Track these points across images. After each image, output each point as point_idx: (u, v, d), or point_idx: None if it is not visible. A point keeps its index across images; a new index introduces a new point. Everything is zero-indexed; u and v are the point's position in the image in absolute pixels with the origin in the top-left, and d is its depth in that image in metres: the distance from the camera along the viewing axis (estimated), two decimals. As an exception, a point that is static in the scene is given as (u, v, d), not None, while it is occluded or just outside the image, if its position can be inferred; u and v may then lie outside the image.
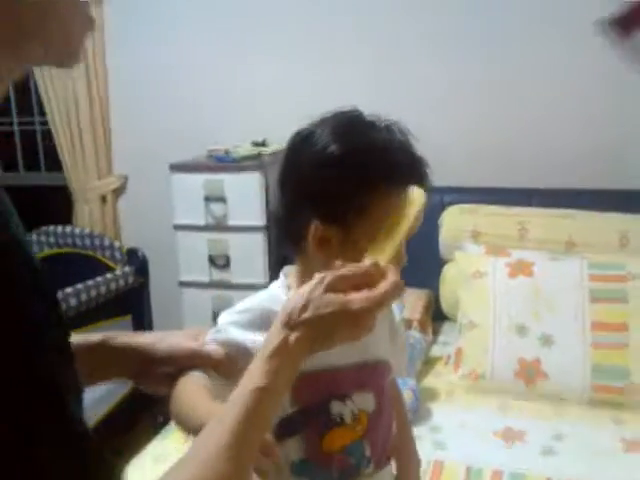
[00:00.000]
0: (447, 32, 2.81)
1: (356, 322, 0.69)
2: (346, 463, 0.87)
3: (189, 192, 2.77)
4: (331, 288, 0.69)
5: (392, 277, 0.70)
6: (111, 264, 2.76)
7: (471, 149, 2.88)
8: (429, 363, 2.44)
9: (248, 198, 2.75)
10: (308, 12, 2.97)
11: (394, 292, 0.69)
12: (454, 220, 2.70)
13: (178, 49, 3.12)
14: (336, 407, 0.85)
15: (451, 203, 2.76)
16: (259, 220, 2.76)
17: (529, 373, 2.17)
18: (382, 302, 0.69)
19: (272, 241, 2.81)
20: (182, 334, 0.89)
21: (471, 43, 2.79)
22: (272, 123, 3.02)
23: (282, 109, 3.04)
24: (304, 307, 0.68)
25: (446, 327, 2.69)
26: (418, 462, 1.11)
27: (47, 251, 2.88)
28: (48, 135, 3.29)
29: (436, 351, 2.54)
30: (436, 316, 2.72)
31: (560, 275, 2.32)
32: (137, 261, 2.77)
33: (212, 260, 2.81)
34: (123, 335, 0.86)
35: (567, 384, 2.15)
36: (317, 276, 0.71)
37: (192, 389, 0.79)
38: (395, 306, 1.02)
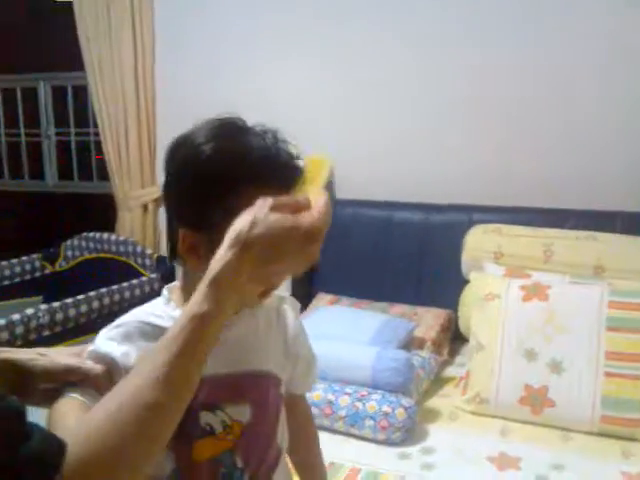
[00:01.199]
0: (476, 42, 2.78)
1: (308, 237, 0.68)
2: (217, 473, 0.87)
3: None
4: (275, 209, 0.68)
5: (323, 201, 0.71)
6: (142, 270, 2.89)
7: (501, 167, 2.82)
8: (439, 383, 2.40)
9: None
10: (337, 21, 3.01)
11: (329, 214, 0.70)
12: (478, 239, 2.65)
13: (222, 67, 3.23)
14: (205, 417, 0.86)
15: (478, 222, 2.71)
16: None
17: (535, 400, 2.10)
18: (327, 220, 0.70)
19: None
20: (65, 351, 0.89)
21: (502, 58, 2.74)
22: (311, 137, 3.08)
23: (316, 127, 3.09)
24: (253, 224, 0.66)
25: (465, 349, 2.63)
26: (323, 475, 1.11)
27: (87, 255, 3.05)
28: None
29: (450, 372, 2.50)
30: (456, 337, 2.68)
31: (577, 300, 2.23)
32: (164, 268, 2.88)
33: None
34: (4, 351, 0.85)
35: (575, 413, 2.06)
36: (259, 200, 0.69)
37: (60, 411, 0.79)
38: (292, 321, 1.00)
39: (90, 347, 0.87)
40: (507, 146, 2.82)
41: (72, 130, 3.76)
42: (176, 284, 0.92)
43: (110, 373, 0.84)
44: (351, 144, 3.08)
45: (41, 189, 3.86)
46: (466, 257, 2.64)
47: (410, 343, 2.42)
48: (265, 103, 3.15)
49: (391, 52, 2.95)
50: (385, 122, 3.01)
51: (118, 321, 0.88)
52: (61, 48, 3.58)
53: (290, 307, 1.00)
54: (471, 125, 2.86)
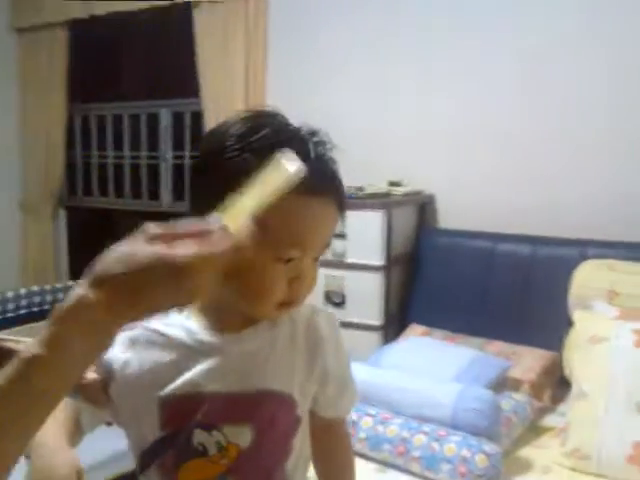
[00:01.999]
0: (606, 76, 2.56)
1: (179, 277, 0.56)
2: None
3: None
4: (152, 239, 0.57)
5: (227, 235, 0.58)
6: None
7: (617, 197, 2.56)
8: (536, 432, 2.16)
9: (369, 237, 2.71)
10: (449, 54, 2.90)
11: (226, 250, 0.57)
12: (588, 276, 2.39)
13: (333, 99, 3.21)
14: (199, 436, 0.78)
15: (590, 257, 2.46)
16: (378, 260, 2.70)
17: (645, 461, 1.82)
18: (210, 259, 0.56)
19: (389, 283, 2.74)
20: None
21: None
22: (412, 164, 3.00)
23: (423, 152, 3.00)
24: (117, 260, 0.56)
25: (570, 396, 2.37)
26: None
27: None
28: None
29: (550, 421, 2.25)
30: (562, 382, 2.41)
31: None
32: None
33: (328, 296, 2.80)
34: (9, 340, 0.82)
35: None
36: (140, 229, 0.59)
37: (54, 417, 0.76)
38: (328, 338, 0.88)
39: None
40: (624, 173, 2.56)
41: (187, 154, 3.91)
42: None
43: (104, 381, 0.80)
44: (453, 171, 2.96)
45: (156, 209, 4.03)
46: (574, 295, 2.39)
47: (503, 384, 2.20)
48: (372, 132, 3.12)
49: (496, 79, 2.80)
50: (489, 148, 2.86)
51: (132, 324, 0.83)
52: (181, 76, 3.76)
53: (324, 320, 0.88)
54: (582, 150, 2.63)
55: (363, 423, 1.96)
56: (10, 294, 3.21)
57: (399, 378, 2.09)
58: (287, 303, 0.78)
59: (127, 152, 4.24)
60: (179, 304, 0.60)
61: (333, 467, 0.95)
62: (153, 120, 4.04)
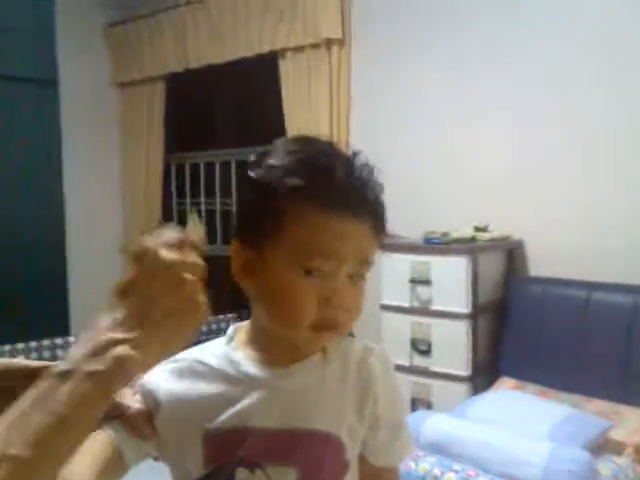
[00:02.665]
0: None
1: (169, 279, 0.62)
2: None
3: (397, 273, 2.76)
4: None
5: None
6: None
7: None
8: (641, 501, 1.97)
9: (454, 283, 2.62)
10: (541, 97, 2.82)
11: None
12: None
13: (415, 142, 3.20)
14: (241, 475, 0.74)
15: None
16: (464, 307, 2.60)
17: None
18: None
19: (476, 331, 2.63)
20: None
21: None
22: (500, 209, 2.91)
23: (511, 195, 2.91)
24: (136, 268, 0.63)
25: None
26: None
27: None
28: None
29: (657, 490, 2.04)
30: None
31: None
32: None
33: (414, 344, 2.72)
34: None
35: None
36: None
37: (86, 449, 0.73)
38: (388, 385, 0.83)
39: (141, 380, 0.82)
40: None
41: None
42: (244, 323, 0.84)
43: (150, 412, 0.78)
44: (543, 214, 2.83)
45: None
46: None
47: (603, 446, 2.03)
48: (456, 176, 3.06)
49: (587, 120, 2.68)
50: (581, 190, 2.72)
51: (177, 356, 0.82)
52: (269, 123, 3.85)
53: (378, 361, 0.83)
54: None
55: (446, 479, 1.85)
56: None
57: (486, 432, 1.98)
58: (323, 326, 0.73)
59: (218, 198, 4.38)
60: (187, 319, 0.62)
61: None
62: (243, 167, 4.16)
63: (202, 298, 0.62)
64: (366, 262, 0.75)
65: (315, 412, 0.77)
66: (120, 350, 0.58)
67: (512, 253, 2.89)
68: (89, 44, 4.39)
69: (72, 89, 4.21)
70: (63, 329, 3.93)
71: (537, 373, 2.54)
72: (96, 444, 0.74)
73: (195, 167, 4.51)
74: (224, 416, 0.76)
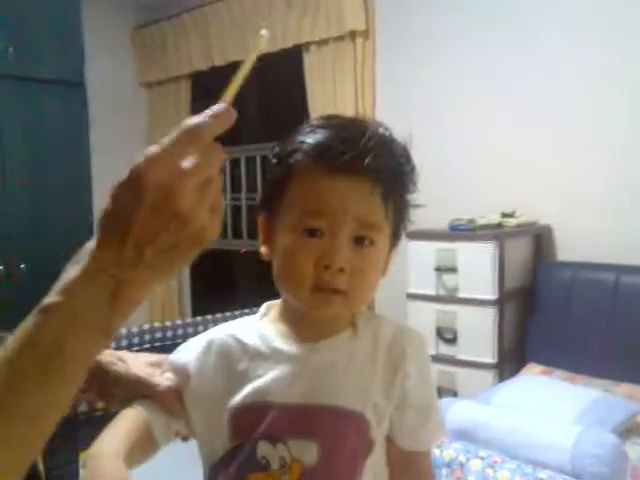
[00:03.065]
0: None
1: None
2: None
3: (422, 260, 2.74)
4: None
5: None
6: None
7: None
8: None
9: (480, 270, 2.59)
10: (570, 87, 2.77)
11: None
12: None
13: (437, 126, 3.18)
14: (263, 449, 0.74)
15: None
16: (490, 294, 2.57)
17: None
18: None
19: (503, 318, 2.59)
20: (146, 358, 0.85)
21: None
22: (527, 194, 2.87)
23: (537, 180, 2.87)
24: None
25: None
26: None
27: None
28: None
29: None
30: None
31: None
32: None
33: (440, 333, 2.69)
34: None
35: None
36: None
37: (115, 422, 0.76)
38: (416, 359, 0.80)
39: (172, 356, 0.83)
40: None
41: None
42: (277, 301, 0.84)
43: (179, 389, 0.79)
44: (569, 199, 2.80)
45: (256, 248, 4.15)
46: None
47: (632, 429, 1.99)
48: (482, 163, 3.03)
49: (610, 103, 2.62)
50: (607, 173, 2.67)
51: (214, 329, 0.84)
52: (294, 117, 3.85)
53: (411, 340, 0.82)
54: None
55: (471, 465, 1.83)
56: (135, 329, 3.39)
57: (511, 417, 1.95)
58: (322, 288, 0.72)
59: (244, 194, 4.41)
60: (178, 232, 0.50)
61: None
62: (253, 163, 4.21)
63: (209, 233, 0.51)
64: (371, 225, 0.74)
65: (339, 388, 0.77)
66: (123, 290, 0.50)
67: (539, 238, 2.85)
68: (115, 46, 4.47)
69: (99, 90, 4.27)
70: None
71: (565, 359, 2.50)
72: (127, 420, 0.76)
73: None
74: (249, 390, 0.76)
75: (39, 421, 0.51)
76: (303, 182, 0.74)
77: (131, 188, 0.48)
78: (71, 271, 0.51)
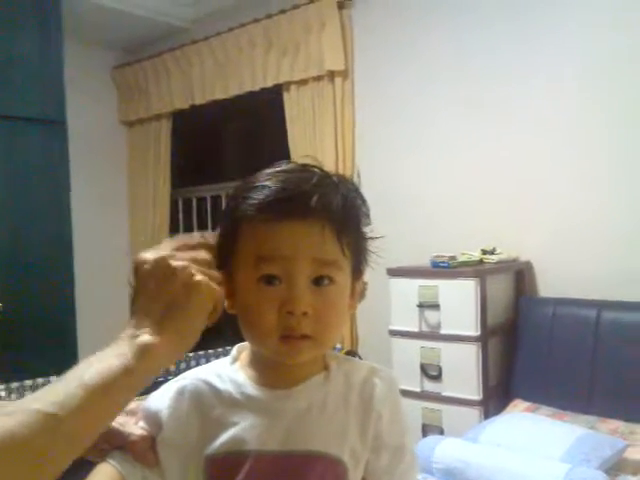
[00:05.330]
0: None
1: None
2: None
3: (405, 297, 2.75)
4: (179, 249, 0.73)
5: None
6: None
7: None
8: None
9: (463, 306, 2.60)
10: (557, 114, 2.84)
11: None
12: None
13: (416, 164, 3.22)
14: None
15: None
16: (473, 330, 2.58)
17: None
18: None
19: (486, 354, 2.60)
20: None
21: None
22: (507, 231, 2.91)
23: (517, 218, 2.91)
24: (145, 262, 0.72)
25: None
26: None
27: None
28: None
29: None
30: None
31: None
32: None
33: (424, 369, 2.69)
34: None
35: None
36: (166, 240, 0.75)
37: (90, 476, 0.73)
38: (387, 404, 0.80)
39: (145, 403, 0.81)
40: None
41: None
42: (247, 344, 0.82)
43: (152, 439, 0.76)
44: (550, 236, 2.84)
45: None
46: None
47: (619, 467, 1.98)
48: (462, 201, 3.07)
49: (591, 141, 2.69)
50: (586, 210, 2.72)
51: (183, 374, 0.82)
52: (275, 155, 3.88)
53: (382, 382, 0.80)
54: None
55: (460, 506, 1.81)
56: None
57: (499, 456, 1.94)
58: (290, 335, 0.71)
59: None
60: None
61: None
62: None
63: (201, 279, 0.68)
64: (328, 264, 0.73)
65: (316, 434, 0.75)
66: (140, 339, 0.65)
67: (520, 275, 2.88)
68: (96, 85, 4.48)
69: (80, 129, 4.26)
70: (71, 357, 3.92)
71: (550, 395, 2.50)
72: (102, 477, 0.73)
73: (202, 201, 4.55)
74: (223, 439, 0.74)
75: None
76: (252, 233, 0.73)
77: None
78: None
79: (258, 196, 0.72)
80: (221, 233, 0.78)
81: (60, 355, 3.90)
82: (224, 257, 0.76)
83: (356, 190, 0.79)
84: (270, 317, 0.71)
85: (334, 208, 0.73)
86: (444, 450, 2.06)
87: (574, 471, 1.77)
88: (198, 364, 0.84)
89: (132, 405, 0.83)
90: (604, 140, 2.68)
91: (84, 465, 0.83)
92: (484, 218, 3.00)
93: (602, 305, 2.50)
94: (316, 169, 0.77)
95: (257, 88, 3.79)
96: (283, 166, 0.78)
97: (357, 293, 0.80)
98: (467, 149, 3.07)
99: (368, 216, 0.79)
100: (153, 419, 0.78)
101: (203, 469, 0.74)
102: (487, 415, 2.52)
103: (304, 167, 0.78)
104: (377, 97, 3.40)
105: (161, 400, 0.78)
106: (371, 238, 0.80)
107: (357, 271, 0.79)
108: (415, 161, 3.24)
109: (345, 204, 0.75)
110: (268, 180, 0.74)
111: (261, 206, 0.72)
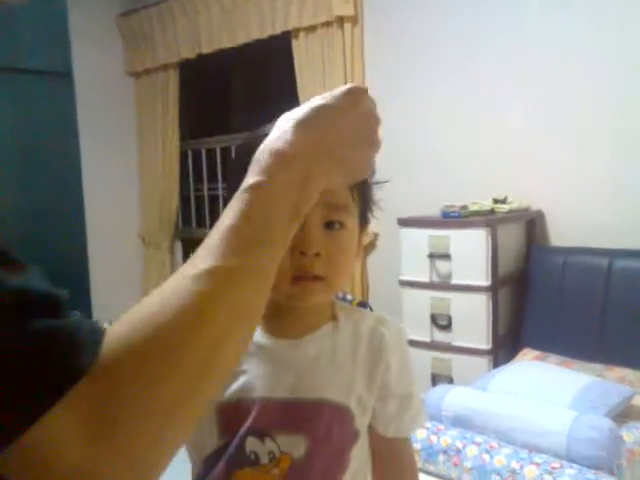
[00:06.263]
0: None
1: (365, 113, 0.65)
2: None
3: (415, 248, 2.74)
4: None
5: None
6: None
7: None
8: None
9: (473, 256, 2.59)
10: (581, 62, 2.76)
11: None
12: None
13: (428, 112, 3.17)
14: (251, 444, 0.75)
15: None
16: (484, 280, 2.57)
17: None
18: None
19: (497, 304, 2.60)
20: None
21: None
22: (519, 180, 2.87)
23: (529, 167, 2.86)
24: (309, 106, 0.65)
25: None
26: None
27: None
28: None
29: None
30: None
31: None
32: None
33: (434, 319, 2.70)
34: None
35: None
36: None
37: None
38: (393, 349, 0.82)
39: None
40: None
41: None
42: None
43: None
44: (562, 184, 2.79)
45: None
46: None
47: (627, 413, 2.00)
48: (474, 149, 3.02)
49: (606, 86, 2.62)
50: (599, 158, 2.67)
51: None
52: (284, 104, 3.83)
53: (390, 331, 0.82)
54: None
55: (468, 452, 1.84)
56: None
57: (507, 403, 1.96)
58: (301, 277, 0.72)
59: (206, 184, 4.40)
60: (365, 148, 0.64)
61: None
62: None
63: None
64: (339, 208, 0.74)
65: (324, 382, 0.78)
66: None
67: (532, 224, 2.85)
68: (102, 34, 4.41)
69: (87, 80, 4.23)
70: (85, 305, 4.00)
71: (559, 344, 2.51)
72: None
73: (211, 152, 4.52)
74: (233, 387, 0.76)
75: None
76: None
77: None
78: (268, 159, 0.58)
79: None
80: (231, 185, 0.77)
81: (72, 304, 3.97)
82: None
83: None
84: (283, 259, 0.71)
85: None
86: (453, 398, 2.08)
87: (581, 418, 1.79)
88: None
89: None
90: (617, 87, 2.61)
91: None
92: (496, 167, 2.96)
93: (614, 253, 2.49)
94: None
95: (265, 36, 3.70)
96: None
97: (362, 243, 0.81)
98: (479, 98, 3.00)
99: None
100: None
101: (215, 416, 0.76)
102: (496, 364, 2.54)
103: None
104: (387, 45, 3.31)
105: None
106: (377, 183, 0.81)
107: (364, 218, 0.80)
108: (426, 109, 3.18)
109: None
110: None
111: None
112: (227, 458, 0.75)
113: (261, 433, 0.75)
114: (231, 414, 0.76)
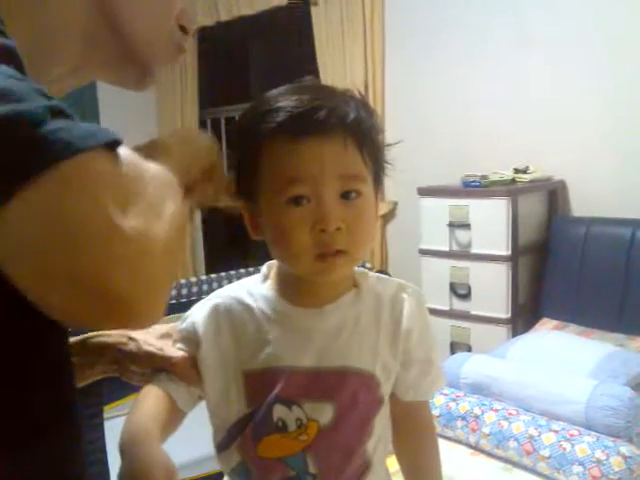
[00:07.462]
0: None
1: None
2: (285, 474, 0.76)
3: (435, 217, 2.73)
4: None
5: None
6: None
7: None
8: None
9: (494, 226, 2.58)
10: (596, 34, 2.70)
11: None
12: None
13: (448, 80, 3.12)
14: (279, 412, 0.76)
15: None
16: (504, 250, 2.57)
17: None
18: None
19: (516, 274, 2.59)
20: (156, 331, 0.85)
21: None
22: (540, 150, 2.84)
23: (552, 136, 2.83)
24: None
25: None
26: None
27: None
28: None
29: None
30: None
31: None
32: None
33: (453, 288, 2.70)
34: (100, 335, 0.84)
35: None
36: None
37: (138, 399, 0.76)
38: (416, 314, 0.82)
39: (180, 324, 0.83)
40: None
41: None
42: (277, 262, 0.83)
43: (193, 358, 0.80)
44: (584, 154, 2.75)
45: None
46: None
47: (647, 383, 2.01)
48: (492, 111, 2.99)
49: (631, 58, 2.56)
50: (623, 127, 2.62)
51: (214, 293, 0.84)
52: (303, 72, 3.80)
53: (411, 298, 0.83)
54: None
55: (486, 418, 1.86)
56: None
57: (526, 371, 1.97)
58: (325, 253, 0.72)
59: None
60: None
61: (417, 459, 0.89)
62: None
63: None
64: (354, 177, 0.74)
65: (349, 350, 0.78)
66: None
67: (554, 194, 2.83)
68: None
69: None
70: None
71: (579, 313, 2.51)
72: (151, 399, 0.76)
73: (230, 121, 4.50)
74: (259, 356, 0.77)
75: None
76: (275, 154, 0.72)
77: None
78: None
79: (277, 118, 0.71)
80: (239, 159, 0.77)
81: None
82: (243, 184, 0.77)
83: (364, 101, 0.79)
84: (304, 237, 0.71)
85: (351, 121, 0.73)
86: (472, 366, 2.10)
87: (601, 387, 1.80)
88: (220, 286, 0.85)
89: (167, 328, 0.86)
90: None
91: (125, 387, 0.87)
92: (517, 137, 2.92)
93: (637, 224, 2.46)
94: (324, 85, 0.80)
95: (284, 3, 3.66)
96: (295, 85, 0.77)
97: (377, 206, 0.81)
98: (501, 67, 2.95)
99: (379, 125, 0.80)
100: (190, 338, 0.81)
101: (243, 384, 0.78)
102: (515, 333, 2.54)
103: (315, 85, 0.80)
104: (409, 12, 3.26)
105: (196, 319, 0.81)
106: (388, 145, 0.81)
107: (377, 182, 0.79)
108: (446, 80, 3.14)
109: (359, 116, 0.74)
110: (284, 100, 0.73)
111: (282, 126, 0.71)
112: (254, 425, 0.77)
113: (288, 401, 0.76)
114: (258, 383, 0.77)
